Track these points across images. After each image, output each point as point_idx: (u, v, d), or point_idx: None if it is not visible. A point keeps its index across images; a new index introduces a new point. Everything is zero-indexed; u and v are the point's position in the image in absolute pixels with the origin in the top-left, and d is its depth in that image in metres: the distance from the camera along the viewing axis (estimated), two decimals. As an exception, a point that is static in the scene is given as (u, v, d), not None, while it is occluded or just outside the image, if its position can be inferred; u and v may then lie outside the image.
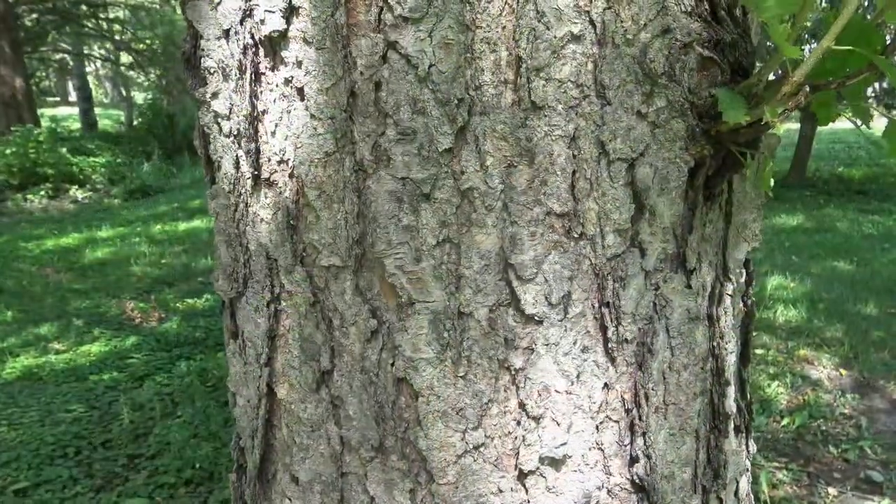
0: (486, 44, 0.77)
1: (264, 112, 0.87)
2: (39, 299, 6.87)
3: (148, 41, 18.46)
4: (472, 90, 0.77)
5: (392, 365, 0.85)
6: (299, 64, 0.82)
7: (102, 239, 9.25)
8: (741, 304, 1.00)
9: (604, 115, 0.79)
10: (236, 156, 0.92)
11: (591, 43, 0.78)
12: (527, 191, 0.79)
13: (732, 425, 0.99)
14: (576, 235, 0.81)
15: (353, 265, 0.84)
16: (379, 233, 0.81)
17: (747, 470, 1.08)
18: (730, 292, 0.96)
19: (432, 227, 0.80)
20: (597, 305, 0.83)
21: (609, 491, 0.88)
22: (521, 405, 0.83)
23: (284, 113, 0.85)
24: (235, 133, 0.91)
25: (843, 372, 4.92)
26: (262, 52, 0.85)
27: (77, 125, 17.29)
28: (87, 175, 12.27)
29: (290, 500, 0.96)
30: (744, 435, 1.05)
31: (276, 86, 0.85)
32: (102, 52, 20.97)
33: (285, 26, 0.81)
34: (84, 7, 17.42)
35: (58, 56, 20.11)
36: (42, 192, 11.61)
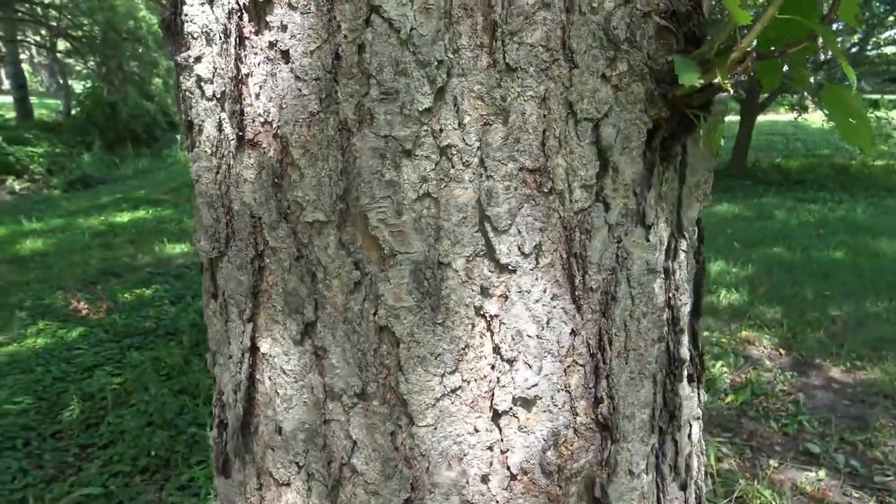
0: (464, 9, 0.82)
1: (248, 75, 0.91)
2: (-21, 291, 6.66)
3: (86, 27, 17.92)
4: (450, 53, 0.83)
5: (374, 314, 0.90)
6: (284, 28, 0.86)
7: (43, 230, 9.01)
8: (693, 260, 1.08)
9: (572, 78, 0.86)
10: (219, 118, 0.96)
11: (560, 10, 0.84)
12: (502, 147, 0.85)
13: (686, 372, 1.07)
14: (546, 190, 0.87)
15: (336, 220, 0.89)
16: (363, 187, 0.86)
17: (699, 417, 1.16)
18: (684, 248, 1.04)
19: (413, 182, 0.86)
20: (565, 256, 0.90)
21: (575, 430, 0.95)
22: (496, 349, 0.90)
23: (269, 76, 0.89)
24: (219, 96, 0.94)
25: (783, 351, 5.15)
26: (246, 16, 0.89)
27: (11, 114, 16.71)
28: (25, 165, 11.90)
29: (272, 449, 1.01)
30: (696, 383, 1.13)
31: (261, 49, 0.89)
32: (37, 38, 20.25)
33: (270, -8, 0.85)
34: (18, -9, 16.81)
35: (-9, 42, 19.34)
36: (-23, 183, 11.22)
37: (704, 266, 1.10)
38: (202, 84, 0.96)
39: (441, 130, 0.84)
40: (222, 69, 0.92)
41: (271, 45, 0.88)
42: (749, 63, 0.82)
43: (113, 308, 6.10)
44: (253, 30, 0.89)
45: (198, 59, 0.94)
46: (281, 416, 0.99)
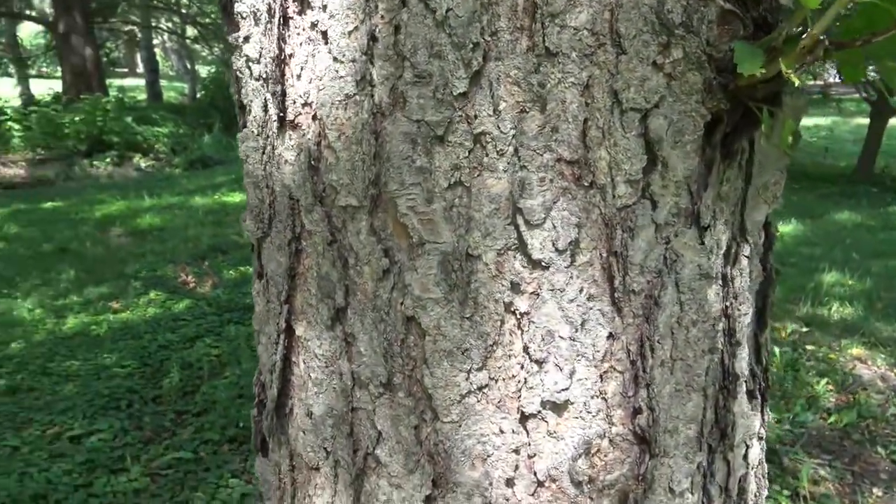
0: (504, -11, 0.78)
1: (291, 55, 0.90)
2: (100, 260, 7.15)
3: (213, 15, 18.85)
4: (487, 35, 0.79)
5: (402, 304, 0.87)
6: (324, 8, 0.85)
7: (162, 206, 9.55)
8: (759, 268, 1.00)
9: (618, 65, 0.80)
10: (265, 98, 0.96)
11: (609, -9, 0.78)
12: (538, 136, 0.80)
13: (744, 388, 0.99)
14: (586, 184, 0.82)
15: (368, 205, 0.87)
16: (392, 173, 0.84)
17: (761, 438, 1.07)
18: (746, 253, 0.95)
19: (445, 170, 0.82)
20: (605, 255, 0.84)
21: (611, 440, 0.89)
22: (525, 348, 0.85)
23: (309, 56, 0.88)
24: (264, 76, 0.94)
25: (896, 372, 4.77)
26: (291, -4, 0.88)
27: (143, 96, 17.82)
28: (151, 144, 12.67)
29: (304, 433, 1.01)
30: (758, 401, 1.04)
31: (303, 30, 0.88)
32: (169, 24, 21.50)
33: (313, -29, 0.84)
34: (154, -19, 17.87)
35: (127, 28, 20.69)
36: (108, 159, 12.03)
37: (773, 274, 1.01)
38: (250, 64, 0.96)
39: (475, 116, 0.81)
40: (267, 49, 0.92)
41: (313, 25, 0.87)
42: (819, 52, 0.74)
43: (218, 283, 6.39)
44: (296, 10, 0.88)
45: (246, 39, 0.95)
46: (311, 399, 0.98)
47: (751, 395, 1.02)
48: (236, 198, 9.80)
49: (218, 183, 11.04)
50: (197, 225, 8.52)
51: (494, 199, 0.82)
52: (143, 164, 12.24)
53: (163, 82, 20.48)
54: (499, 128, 0.80)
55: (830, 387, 4.43)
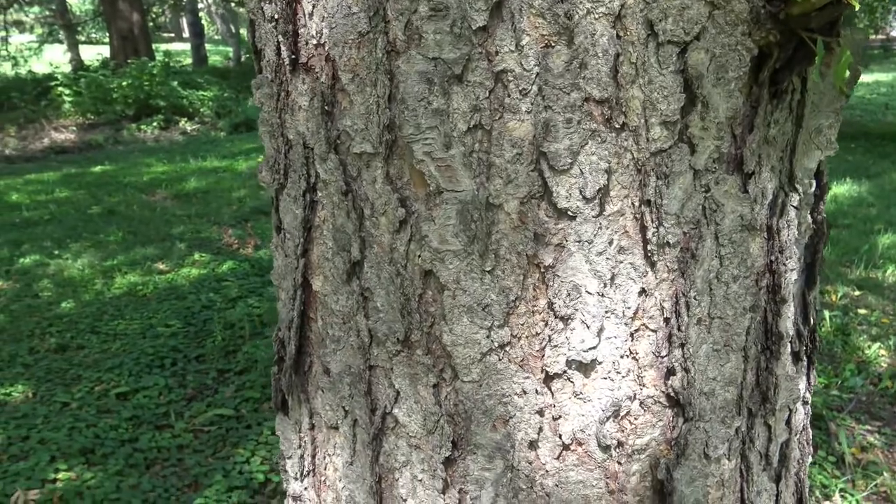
0: None
1: (302, -8, 0.85)
2: (146, 223, 7.27)
3: (257, -22, 18.73)
4: (509, -39, 0.72)
5: (419, 257, 0.82)
6: (335, -62, 0.79)
7: (207, 169, 9.65)
8: (809, 220, 0.92)
9: (654, -9, 0.72)
10: (277, 41, 0.90)
11: None
12: (564, 74, 0.74)
13: (789, 349, 0.92)
14: (617, 126, 0.75)
15: (384, 152, 0.82)
16: (407, 116, 0.78)
17: (806, 402, 1.00)
18: (795, 204, 0.88)
19: (463, 112, 0.76)
20: (637, 204, 0.78)
21: (641, 402, 0.83)
22: (550, 304, 0.80)
23: (321, -8, 0.83)
24: (276, 17, 0.89)
25: (955, 336, 4.58)
26: (301, -72, 0.82)
27: (188, 60, 17.93)
28: (196, 108, 12.76)
29: (322, 390, 0.97)
30: (804, 363, 0.97)
31: (314, -37, 0.82)
32: (214, -12, 21.52)
33: None
34: (198, -56, 17.84)
35: (173, -8, 20.77)
36: (154, 124, 12.16)
37: (824, 227, 0.93)
38: (263, 4, 0.91)
39: (496, 53, 0.74)
40: (278, -14, 0.86)
41: (324, -42, 0.81)
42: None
43: (260, 244, 6.44)
44: (307, -58, 0.83)
45: (257, -23, 0.89)
46: (329, 357, 0.95)
47: (796, 356, 0.95)
48: (278, 160, 9.82)
49: (261, 146, 11.10)
50: (240, 188, 8.59)
51: (517, 144, 0.76)
52: (188, 128, 12.35)
53: (208, 46, 20.58)
54: (521, 65, 0.74)
55: (882, 352, 4.27)
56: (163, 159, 10.24)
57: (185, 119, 12.57)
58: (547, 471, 0.85)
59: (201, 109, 12.85)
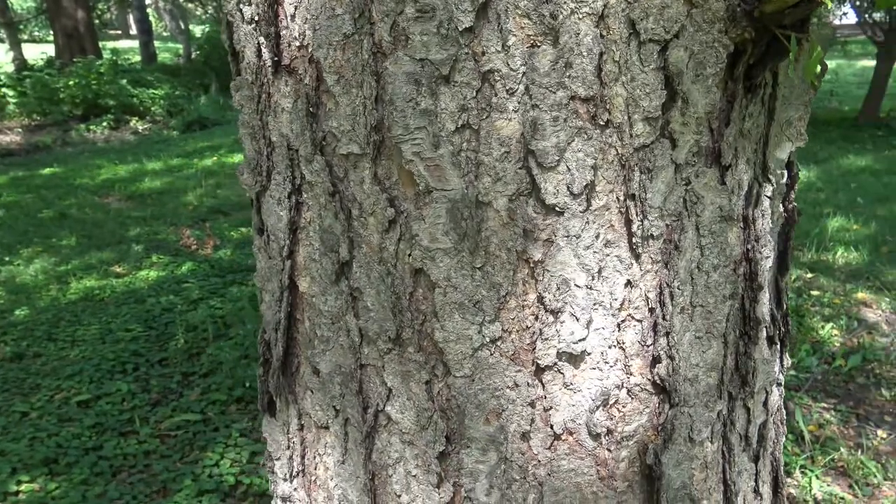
0: (511, -88, 0.72)
1: (284, -6, 0.85)
2: (101, 225, 7.11)
3: (205, -27, 18.41)
4: (494, -37, 0.73)
5: (409, 255, 0.83)
6: (317, -60, 0.79)
7: (160, 169, 9.47)
8: (781, 209, 0.95)
9: (635, -8, 0.74)
10: (258, 43, 0.90)
11: (624, -89, 0.73)
12: (550, 73, 0.75)
13: (764, 333, 0.95)
14: (601, 122, 0.77)
15: (371, 153, 0.82)
16: (396, 117, 0.79)
17: (779, 384, 1.04)
18: (768, 194, 0.91)
19: (451, 112, 0.77)
20: (622, 198, 0.80)
21: (629, 391, 0.86)
22: (539, 298, 0.81)
23: (304, -6, 0.83)
24: (256, 19, 0.89)
25: (903, 315, 4.75)
26: (281, -71, 0.82)
27: (137, 58, 17.52)
28: (147, 107, 12.48)
29: (311, 391, 0.98)
30: (777, 347, 1.01)
31: (296, -35, 0.82)
32: (161, -16, 21.03)
33: None
34: (142, -62, 17.41)
35: (118, -12, 20.25)
36: (104, 124, 11.87)
37: (795, 215, 0.97)
38: (242, 6, 0.90)
39: (483, 53, 0.75)
40: (258, -11, 0.86)
41: (305, -40, 0.81)
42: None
43: (219, 245, 6.36)
44: (288, -56, 0.83)
45: (236, -21, 0.89)
46: (318, 357, 0.95)
47: (770, 340, 0.99)
48: (236, 158, 9.70)
49: (216, 144, 10.93)
50: (197, 187, 8.46)
51: (505, 142, 0.77)
52: (139, 128, 12.08)
53: (156, 43, 20.11)
54: (508, 65, 0.75)
55: (835, 332, 4.42)
56: (114, 160, 10.01)
57: (136, 118, 12.30)
58: (539, 461, 0.87)
59: (152, 108, 12.58)
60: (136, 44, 19.92)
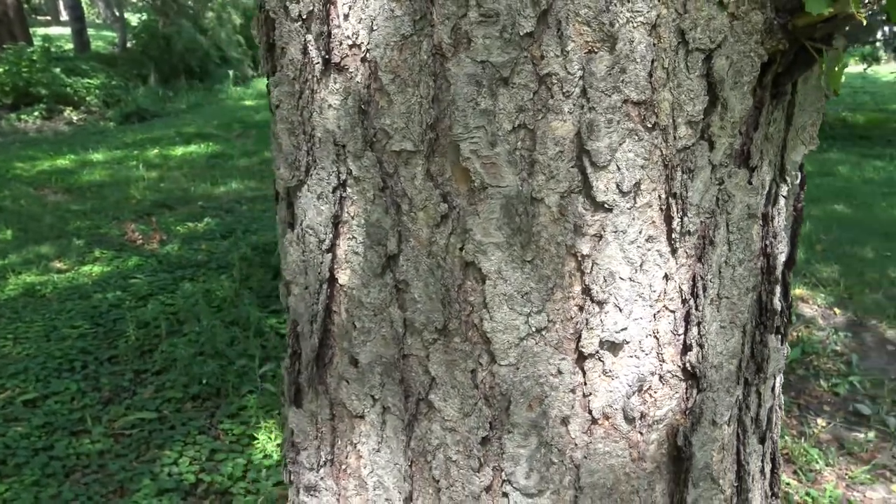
0: (574, -75, 0.76)
1: (338, -6, 0.87)
2: (38, 219, 6.85)
3: (141, -41, 17.85)
4: (556, -28, 0.77)
5: (460, 249, 0.87)
6: (379, -57, 0.82)
7: (99, 161, 9.17)
8: (791, 208, 1.03)
9: (686, 4, 0.80)
10: (304, 41, 0.92)
11: (677, -72, 0.78)
12: (606, 78, 0.80)
13: (776, 323, 1.03)
14: (650, 125, 0.82)
15: (425, 150, 0.85)
16: (457, 116, 0.82)
17: (782, 370, 1.12)
18: (784, 193, 0.98)
19: (509, 112, 0.81)
20: (663, 196, 0.85)
21: (661, 377, 0.91)
22: (587, 290, 0.86)
23: (360, -5, 0.85)
24: (304, 17, 0.91)
25: (837, 311, 5.02)
26: (337, -70, 0.85)
27: (69, 45, 16.87)
28: (82, 97, 12.05)
29: (347, 381, 1.00)
30: (782, 335, 1.08)
31: (353, -33, 0.85)
32: (93, -31, 20.27)
33: None
34: (73, -79, 16.77)
35: (47, -28, 19.42)
36: (36, 113, 11.41)
37: (802, 214, 1.05)
38: (287, 4, 0.92)
39: (542, 57, 0.79)
40: (310, -13, 0.88)
41: (364, -38, 0.84)
42: (884, -9, 0.75)
43: (166, 239, 6.22)
44: (345, -55, 0.85)
45: (284, -23, 0.90)
46: (357, 348, 0.97)
47: (777, 330, 1.06)
48: (178, 151, 9.49)
49: (157, 137, 10.64)
50: (139, 180, 8.23)
51: (559, 142, 0.82)
52: (74, 118, 11.64)
53: (90, 31, 19.38)
54: (566, 69, 0.79)
55: (777, 325, 4.63)
56: (49, 151, 9.64)
57: (70, 108, 11.85)
58: (577, 444, 0.91)
59: (87, 98, 12.15)
60: (67, 31, 19.16)
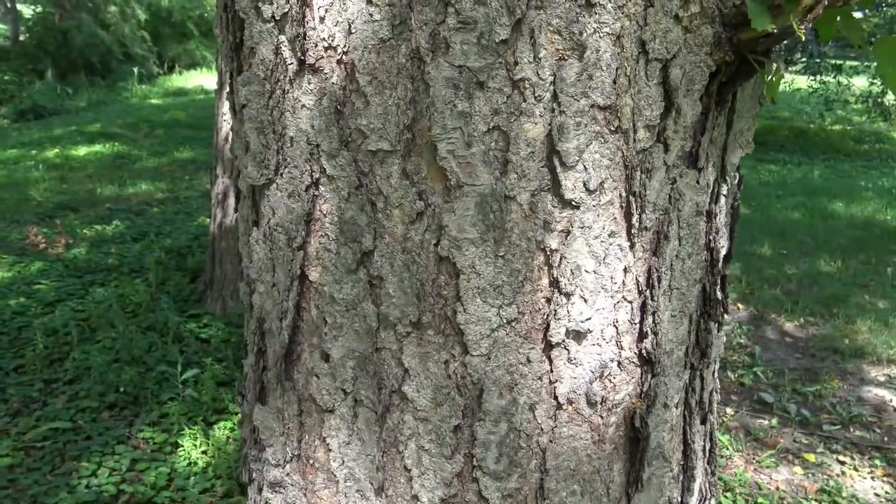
0: (547, -60, 0.81)
1: (314, -3, 0.89)
2: (-73, 222, 6.42)
3: (34, -51, 16.94)
4: (530, -17, 0.82)
5: (435, 245, 0.91)
6: (357, -51, 0.84)
7: (-7, 161, 8.67)
8: (730, 206, 1.12)
9: (647, 17, 0.86)
10: (277, 41, 0.94)
11: (639, -53, 0.84)
12: (575, 83, 0.86)
13: (717, 312, 1.11)
14: (613, 128, 0.89)
15: (402, 150, 0.89)
16: (436, 117, 0.86)
17: (720, 356, 1.21)
18: (725, 192, 1.07)
19: (484, 115, 0.86)
20: (624, 194, 0.92)
21: (619, 363, 0.98)
22: (555, 282, 0.92)
23: (338, 0, 0.88)
24: (278, 18, 0.92)
25: (740, 306, 5.34)
26: (315, -65, 0.87)
27: (-46, 38, 15.83)
28: (-29, 92, 11.36)
29: (317, 376, 1.02)
30: (719, 324, 1.18)
31: (330, -30, 0.87)
32: (-20, -43, 19.07)
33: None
34: None
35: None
36: (-82, 109, 10.67)
37: (738, 212, 1.14)
38: (259, 4, 0.93)
39: (516, 63, 0.84)
40: (286, -10, 0.90)
41: (342, -34, 0.86)
42: (819, 10, 0.84)
43: (72, 243, 5.95)
44: (322, -50, 0.87)
45: (257, -22, 0.92)
46: (329, 343, 1.00)
47: (717, 319, 1.15)
48: (81, 151, 9.07)
49: (57, 135, 10.14)
50: (39, 181, 7.83)
51: (531, 143, 0.87)
52: (-38, 115, 10.98)
53: (-25, 23, 18.23)
54: (538, 74, 0.85)
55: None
56: (-65, 150, 9.03)
57: (-42, 104, 11.15)
58: (542, 429, 0.97)
59: (-23, 94, 11.46)
60: (-49, 22, 17.94)
